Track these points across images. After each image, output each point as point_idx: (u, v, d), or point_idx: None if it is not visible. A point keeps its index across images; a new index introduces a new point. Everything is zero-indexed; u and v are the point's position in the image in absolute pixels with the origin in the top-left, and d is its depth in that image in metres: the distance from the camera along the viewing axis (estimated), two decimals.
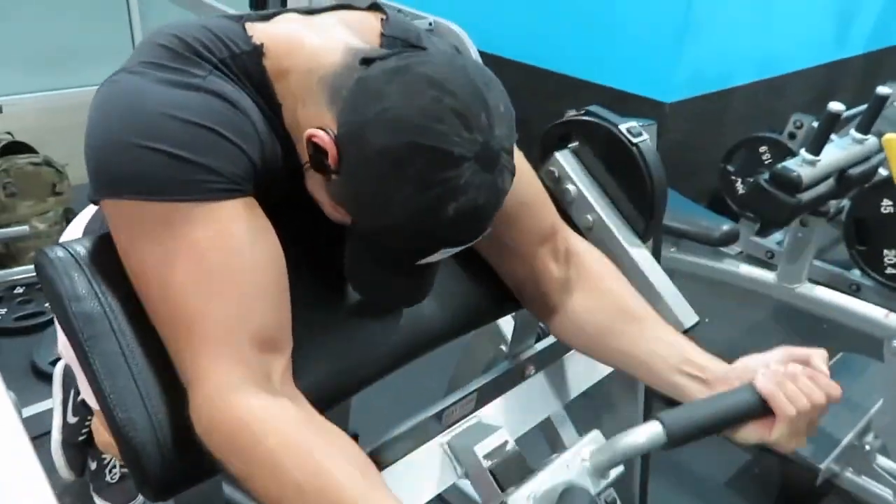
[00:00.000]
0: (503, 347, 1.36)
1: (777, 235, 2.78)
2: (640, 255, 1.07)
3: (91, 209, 1.13)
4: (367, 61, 0.72)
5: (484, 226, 0.72)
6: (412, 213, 0.67)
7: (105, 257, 0.72)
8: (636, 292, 0.94)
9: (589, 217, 1.07)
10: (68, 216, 2.58)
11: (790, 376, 0.76)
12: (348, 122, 0.69)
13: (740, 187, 2.72)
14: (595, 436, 0.82)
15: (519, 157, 0.81)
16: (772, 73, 3.20)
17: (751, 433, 0.77)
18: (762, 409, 0.75)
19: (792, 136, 2.81)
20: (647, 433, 0.74)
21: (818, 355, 0.79)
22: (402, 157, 0.65)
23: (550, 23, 3.02)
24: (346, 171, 0.69)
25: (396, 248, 0.73)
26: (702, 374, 0.83)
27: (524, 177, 0.88)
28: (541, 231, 0.93)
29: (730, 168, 2.75)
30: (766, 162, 2.68)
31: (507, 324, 1.32)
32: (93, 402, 1.16)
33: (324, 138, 0.69)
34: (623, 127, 1.10)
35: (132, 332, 0.70)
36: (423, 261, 0.74)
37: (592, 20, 2.90)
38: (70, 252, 0.71)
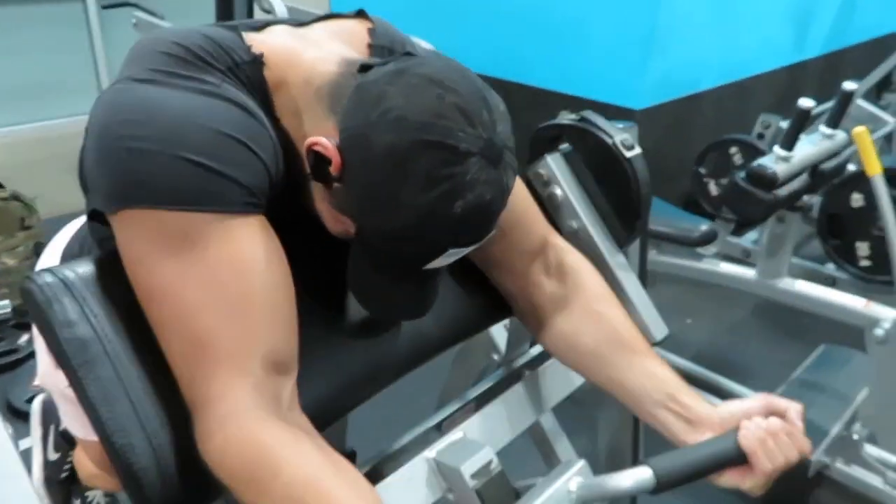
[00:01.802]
0: (495, 356, 1.36)
1: (752, 234, 2.83)
2: (619, 264, 1.08)
3: (66, 233, 1.10)
4: (365, 68, 0.72)
5: (490, 225, 0.72)
6: (420, 213, 0.66)
7: (97, 281, 0.71)
8: (629, 320, 0.94)
9: (573, 223, 1.08)
10: (38, 250, 2.52)
11: (771, 433, 0.79)
12: (350, 126, 0.68)
13: (713, 188, 2.77)
14: (582, 467, 0.83)
15: None
16: (737, 77, 3.26)
17: (728, 479, 0.81)
18: (742, 460, 0.79)
19: (761, 136, 2.87)
20: (635, 477, 0.76)
21: (794, 410, 0.82)
22: (409, 155, 0.65)
23: (519, 36, 3.05)
24: (350, 177, 0.68)
25: (404, 252, 0.72)
26: (686, 414, 0.84)
27: (514, 190, 0.88)
28: (531, 246, 0.93)
29: (702, 170, 2.79)
30: (738, 163, 2.73)
31: (498, 332, 1.32)
32: (80, 432, 1.13)
33: (326, 146, 0.68)
34: (618, 139, 1.10)
35: (127, 356, 0.68)
36: (430, 265, 0.73)
37: (561, 32, 2.94)
38: (59, 277, 0.69)
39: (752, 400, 0.84)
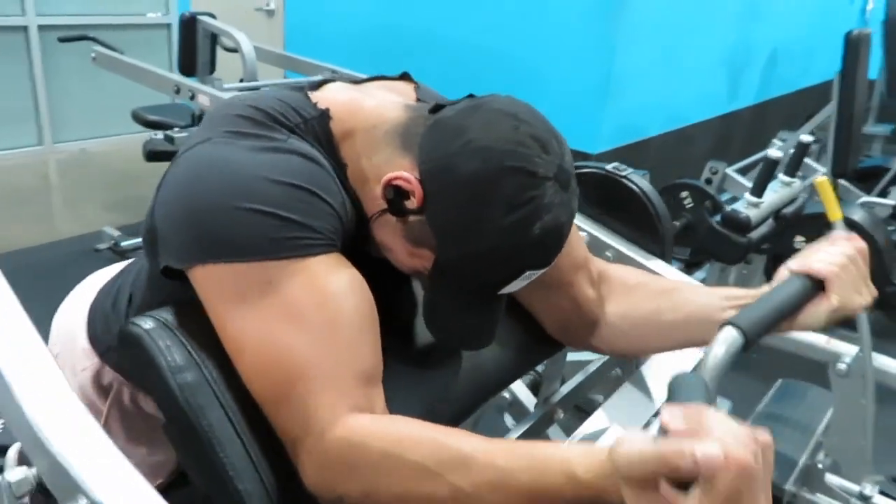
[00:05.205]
0: (506, 395, 1.39)
1: (699, 274, 2.98)
2: (662, 267, 1.14)
3: (87, 289, 1.08)
4: (436, 109, 0.77)
5: (561, 246, 0.76)
6: (502, 235, 0.70)
7: (195, 325, 0.70)
8: (658, 276, 0.99)
9: (608, 253, 1.13)
10: None
11: (815, 251, 0.81)
12: (431, 158, 0.72)
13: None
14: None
15: None
16: (679, 125, 3.46)
17: (815, 312, 0.79)
18: (812, 287, 0.78)
19: (709, 181, 3.03)
20: (723, 341, 0.69)
21: (834, 231, 0.86)
22: (493, 180, 0.69)
23: (481, 83, 3.15)
24: (432, 207, 0.72)
25: (482, 277, 0.75)
26: (750, 300, 0.84)
27: None
28: (576, 261, 0.97)
29: None
30: (688, 206, 2.88)
31: None
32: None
33: (408, 178, 0.72)
34: (609, 167, 1.18)
35: (234, 401, 0.68)
36: (505, 289, 0.76)
37: (521, 80, 3.05)
38: (161, 321, 0.69)
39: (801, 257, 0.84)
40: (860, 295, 0.81)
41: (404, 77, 0.93)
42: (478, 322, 0.80)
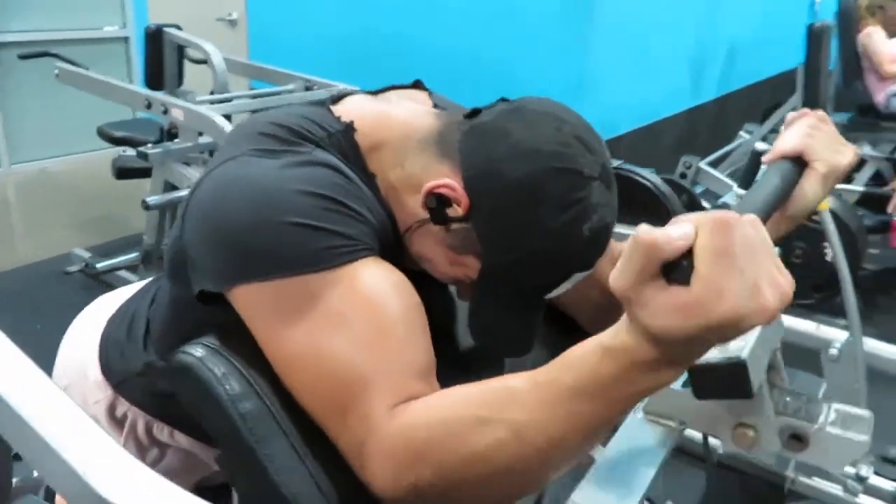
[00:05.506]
0: None
1: None
2: None
3: (91, 316, 1.04)
4: (473, 114, 0.76)
5: (606, 247, 0.75)
6: (552, 238, 0.69)
7: (244, 349, 0.67)
8: None
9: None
10: None
11: (779, 138, 0.79)
12: (475, 164, 0.71)
13: None
14: None
15: None
16: (648, 121, 3.51)
17: (808, 188, 0.76)
18: (793, 167, 0.75)
19: (683, 175, 3.09)
20: None
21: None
22: (541, 182, 0.68)
23: (455, 84, 3.14)
24: (479, 212, 0.71)
25: (531, 281, 0.74)
26: None
27: None
28: None
29: None
30: None
31: None
32: None
33: (452, 186, 0.71)
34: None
35: (294, 428, 0.65)
36: (553, 293, 0.75)
37: (495, 80, 3.05)
38: (212, 348, 0.66)
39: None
40: (841, 154, 0.78)
41: (416, 85, 0.92)
42: (522, 326, 0.79)
